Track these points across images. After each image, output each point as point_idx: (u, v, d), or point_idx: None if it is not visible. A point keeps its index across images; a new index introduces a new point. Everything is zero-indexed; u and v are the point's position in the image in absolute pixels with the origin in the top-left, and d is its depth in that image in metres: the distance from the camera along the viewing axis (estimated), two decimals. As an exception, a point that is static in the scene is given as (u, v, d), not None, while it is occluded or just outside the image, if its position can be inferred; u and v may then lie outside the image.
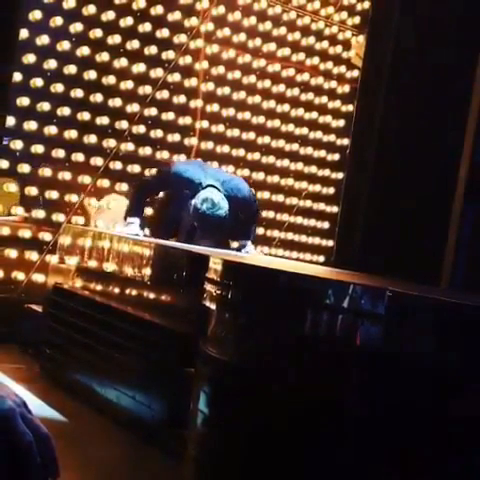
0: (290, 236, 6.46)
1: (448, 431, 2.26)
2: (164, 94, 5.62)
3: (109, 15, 5.34)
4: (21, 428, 0.97)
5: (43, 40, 5.05)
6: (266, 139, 6.25)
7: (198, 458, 2.59)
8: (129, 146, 5.47)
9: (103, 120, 5.36)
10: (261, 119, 6.18)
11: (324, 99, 6.63)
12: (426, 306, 2.43)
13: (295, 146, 6.47)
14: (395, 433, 2.23)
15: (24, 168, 5.05)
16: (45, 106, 5.08)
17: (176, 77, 5.69)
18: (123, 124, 5.45)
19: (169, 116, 5.65)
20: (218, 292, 2.65)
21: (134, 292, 3.74)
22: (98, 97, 5.31)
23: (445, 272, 6.40)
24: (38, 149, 5.11)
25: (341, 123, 6.72)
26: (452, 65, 6.37)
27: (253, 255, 4.80)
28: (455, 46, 6.35)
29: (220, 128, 5.99)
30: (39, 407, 3.52)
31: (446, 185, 6.51)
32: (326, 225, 6.67)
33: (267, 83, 6.23)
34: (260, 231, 6.28)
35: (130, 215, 4.58)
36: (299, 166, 6.51)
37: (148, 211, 5.13)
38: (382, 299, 2.29)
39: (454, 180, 6.49)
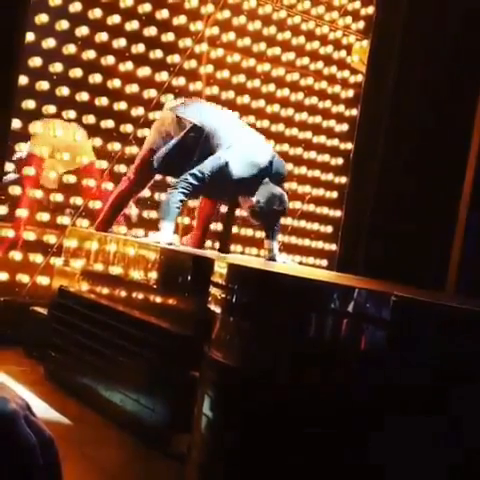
0: (293, 240, 6.47)
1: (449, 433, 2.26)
2: (169, 98, 5.63)
3: (115, 19, 5.36)
4: (24, 430, 0.98)
5: (49, 43, 5.07)
6: (270, 143, 6.25)
7: (201, 462, 2.59)
8: (134, 149, 5.48)
9: (108, 123, 5.38)
10: (265, 123, 6.19)
11: (328, 103, 6.64)
12: (431, 311, 2.44)
13: (299, 150, 6.48)
14: (401, 437, 2.23)
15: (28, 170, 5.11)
16: (51, 109, 5.10)
17: (181, 81, 5.71)
18: (128, 127, 5.47)
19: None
20: (223, 296, 2.65)
21: (139, 295, 3.75)
22: (103, 100, 5.33)
23: (450, 277, 6.40)
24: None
25: (345, 127, 6.72)
26: (458, 67, 6.37)
27: (291, 265, 4.67)
28: (461, 49, 6.35)
29: (224, 132, 5.99)
30: (43, 410, 3.52)
31: (451, 189, 6.50)
32: (329, 229, 6.68)
33: (271, 87, 6.24)
34: (263, 235, 6.29)
35: (167, 220, 4.23)
36: (303, 170, 6.52)
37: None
38: (387, 304, 2.30)
39: (460, 184, 6.49)
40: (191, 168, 4.20)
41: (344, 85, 6.72)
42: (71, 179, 5.32)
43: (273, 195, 4.28)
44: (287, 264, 4.64)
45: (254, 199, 4.29)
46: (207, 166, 4.18)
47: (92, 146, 5.39)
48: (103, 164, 5.41)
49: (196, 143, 4.29)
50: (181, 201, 4.21)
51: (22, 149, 5.15)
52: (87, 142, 5.37)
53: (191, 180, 4.18)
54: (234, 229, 6.04)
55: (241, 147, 4.29)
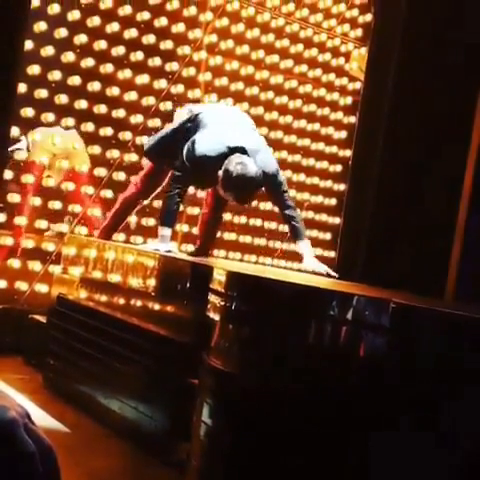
0: (292, 247, 6.46)
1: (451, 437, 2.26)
2: (167, 105, 5.65)
3: (113, 27, 5.37)
4: (24, 438, 0.98)
5: (48, 51, 5.08)
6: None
7: (201, 469, 2.58)
8: (132, 157, 5.49)
9: (107, 131, 5.39)
10: (263, 130, 6.19)
11: (326, 111, 6.65)
12: (430, 318, 2.44)
13: (297, 157, 6.49)
14: (400, 443, 2.23)
15: (28, 178, 5.11)
16: (49, 117, 5.11)
17: (180, 88, 5.72)
18: (127, 135, 5.48)
19: (172, 127, 5.67)
20: (222, 303, 2.65)
21: (138, 303, 3.75)
22: (102, 108, 5.34)
23: (449, 284, 6.39)
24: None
25: (343, 135, 6.74)
26: (457, 74, 6.37)
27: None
28: (461, 56, 6.36)
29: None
30: (42, 418, 3.51)
31: (450, 195, 6.51)
32: (328, 236, 6.68)
33: (270, 95, 6.25)
34: (262, 242, 6.30)
35: (166, 225, 4.16)
36: (301, 177, 6.52)
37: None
38: (386, 311, 2.30)
39: (459, 189, 6.49)
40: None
41: (342, 92, 6.74)
42: (70, 187, 5.32)
43: (236, 162, 3.92)
44: (327, 273, 4.33)
45: (219, 172, 3.99)
46: (183, 152, 4.07)
47: (88, 154, 5.39)
48: (102, 172, 5.41)
49: (188, 134, 4.17)
50: (178, 201, 4.13)
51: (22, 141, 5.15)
52: (84, 150, 5.38)
53: (176, 173, 4.13)
54: (232, 236, 6.06)
55: (212, 129, 4.12)
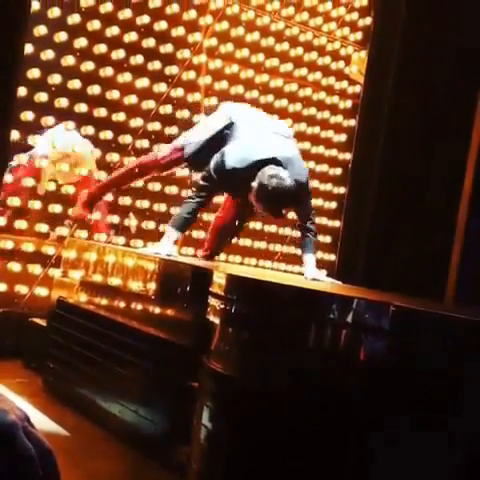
0: (292, 250, 6.47)
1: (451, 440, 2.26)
2: (167, 109, 5.65)
3: (113, 30, 5.37)
4: (23, 442, 0.98)
5: (48, 55, 5.07)
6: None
7: (201, 473, 2.58)
8: (132, 160, 5.48)
9: (107, 134, 5.39)
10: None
11: (326, 114, 6.65)
12: (430, 321, 2.44)
13: (297, 161, 6.48)
14: (400, 447, 2.22)
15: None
16: (49, 120, 5.11)
17: (179, 92, 5.72)
18: (127, 138, 5.48)
19: (172, 130, 5.67)
20: (222, 306, 2.65)
21: (138, 306, 3.74)
22: (102, 111, 5.34)
23: (449, 287, 6.39)
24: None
25: (343, 138, 6.74)
26: (457, 77, 6.38)
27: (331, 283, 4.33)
28: (461, 59, 6.36)
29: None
30: (42, 421, 3.51)
31: (450, 197, 6.50)
32: (328, 239, 6.67)
33: (269, 98, 6.25)
34: (262, 245, 6.30)
35: (173, 228, 4.12)
36: (301, 181, 6.51)
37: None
38: (386, 314, 2.30)
39: (459, 192, 6.49)
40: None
41: (342, 96, 6.74)
42: (70, 190, 5.32)
43: (270, 175, 3.87)
44: (333, 283, 4.33)
45: (252, 184, 3.94)
46: (211, 163, 4.04)
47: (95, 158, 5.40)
48: (102, 175, 5.41)
49: (222, 143, 4.14)
50: (194, 210, 4.07)
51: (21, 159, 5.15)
52: (91, 154, 5.38)
53: (201, 182, 4.07)
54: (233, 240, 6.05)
55: (244, 140, 4.09)
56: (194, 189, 4.12)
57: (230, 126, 4.19)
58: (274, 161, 3.96)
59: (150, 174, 4.69)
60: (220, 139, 4.17)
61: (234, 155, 3.99)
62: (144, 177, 4.79)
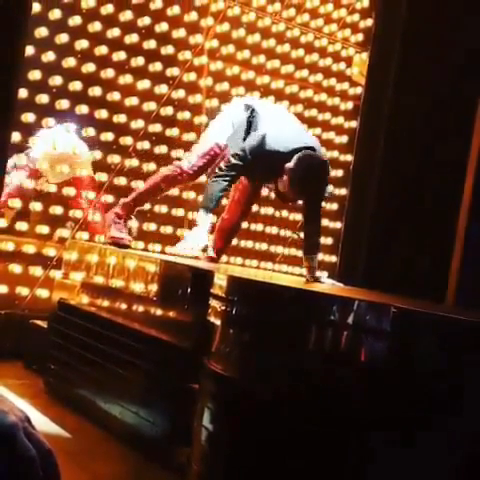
0: (293, 252, 6.47)
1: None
2: (168, 110, 5.65)
3: (114, 32, 5.38)
4: (24, 443, 0.98)
5: (49, 57, 5.08)
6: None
7: (201, 475, 2.58)
8: (133, 162, 5.50)
9: (108, 136, 5.39)
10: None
11: (327, 115, 6.66)
12: (430, 322, 2.43)
13: (299, 162, 6.49)
14: (401, 449, 2.22)
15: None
16: (50, 122, 5.12)
17: (181, 93, 5.72)
18: (127, 140, 5.48)
19: (173, 132, 5.68)
20: (223, 308, 2.65)
21: (139, 308, 3.74)
22: (103, 113, 5.35)
23: (450, 291, 6.38)
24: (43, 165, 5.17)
25: (344, 139, 6.74)
26: (458, 79, 6.38)
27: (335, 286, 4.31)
28: (462, 61, 6.36)
29: (224, 144, 6.00)
30: (42, 422, 3.52)
31: (451, 200, 6.50)
32: (329, 241, 6.67)
33: (271, 99, 6.25)
34: (263, 247, 6.30)
35: (209, 207, 4.04)
36: (303, 182, 6.51)
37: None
38: (387, 315, 2.30)
39: (459, 195, 6.48)
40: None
41: (343, 97, 6.74)
42: (71, 192, 5.33)
43: (311, 160, 4.04)
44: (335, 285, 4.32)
45: (288, 165, 4.04)
46: (247, 142, 4.11)
47: (92, 161, 5.40)
48: (102, 177, 5.41)
49: (250, 128, 4.24)
50: (225, 188, 4.07)
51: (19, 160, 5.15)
52: (87, 156, 5.38)
53: (234, 161, 4.07)
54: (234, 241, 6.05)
55: (282, 123, 4.21)
56: (224, 167, 4.08)
57: (253, 113, 4.26)
58: (310, 148, 4.10)
59: (177, 186, 4.68)
60: (247, 126, 4.25)
61: (276, 139, 4.07)
62: (171, 189, 4.69)
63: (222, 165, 4.10)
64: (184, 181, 4.47)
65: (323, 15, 6.56)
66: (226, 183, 4.07)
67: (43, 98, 5.07)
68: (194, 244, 3.98)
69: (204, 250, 3.86)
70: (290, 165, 4.01)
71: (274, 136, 4.09)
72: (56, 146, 5.20)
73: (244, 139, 4.21)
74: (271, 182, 4.30)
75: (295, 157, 4.01)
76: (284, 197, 4.28)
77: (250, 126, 4.24)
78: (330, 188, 4.37)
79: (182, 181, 4.46)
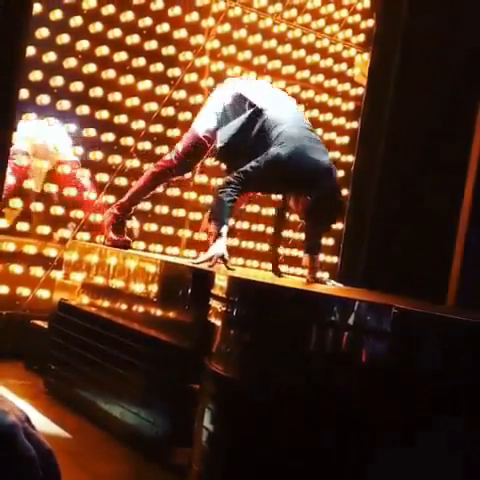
0: (295, 252, 6.46)
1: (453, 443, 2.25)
2: (169, 111, 5.65)
3: (115, 33, 5.38)
4: (24, 443, 0.98)
5: (50, 57, 5.08)
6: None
7: (202, 475, 2.58)
8: (134, 163, 5.50)
9: (109, 137, 5.39)
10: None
11: (329, 116, 6.65)
12: (431, 322, 2.43)
13: (300, 163, 6.49)
14: (402, 450, 2.22)
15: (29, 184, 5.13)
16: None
17: (182, 94, 5.72)
18: (129, 141, 5.48)
19: (174, 133, 5.68)
20: (223, 309, 2.65)
21: (139, 308, 3.75)
22: (104, 114, 5.35)
23: (450, 294, 6.38)
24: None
25: (345, 140, 6.74)
26: (460, 82, 6.37)
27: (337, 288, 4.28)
28: (463, 62, 6.36)
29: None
30: (43, 423, 3.52)
31: (451, 203, 6.50)
32: (331, 242, 6.67)
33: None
34: (264, 247, 6.30)
35: (224, 221, 3.85)
36: (304, 183, 6.51)
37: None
38: (388, 316, 2.30)
39: (460, 199, 6.48)
40: (245, 154, 3.95)
41: (345, 98, 6.74)
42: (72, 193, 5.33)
43: (331, 203, 3.98)
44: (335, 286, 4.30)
45: (308, 199, 3.95)
46: (261, 162, 3.87)
47: (91, 159, 5.38)
48: (103, 177, 5.41)
49: (253, 127, 4.05)
50: (233, 201, 3.86)
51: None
52: (67, 152, 5.33)
53: (243, 177, 3.86)
54: (235, 242, 6.05)
55: (299, 140, 3.95)
56: (235, 182, 3.88)
57: (259, 114, 4.07)
58: (330, 172, 4.05)
59: (168, 179, 4.51)
60: (251, 128, 4.08)
61: (298, 157, 3.90)
62: (163, 183, 4.58)
63: (229, 178, 3.91)
64: (173, 174, 4.37)
65: (324, 16, 6.56)
66: (232, 197, 3.86)
67: (44, 99, 5.07)
68: (215, 256, 3.79)
69: (224, 261, 3.76)
70: (309, 203, 3.94)
71: (298, 156, 3.90)
72: (36, 139, 5.18)
73: (249, 144, 4.02)
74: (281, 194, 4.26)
75: (314, 198, 3.92)
76: (290, 209, 4.25)
77: (238, 111, 4.09)
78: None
79: (171, 174, 4.37)
